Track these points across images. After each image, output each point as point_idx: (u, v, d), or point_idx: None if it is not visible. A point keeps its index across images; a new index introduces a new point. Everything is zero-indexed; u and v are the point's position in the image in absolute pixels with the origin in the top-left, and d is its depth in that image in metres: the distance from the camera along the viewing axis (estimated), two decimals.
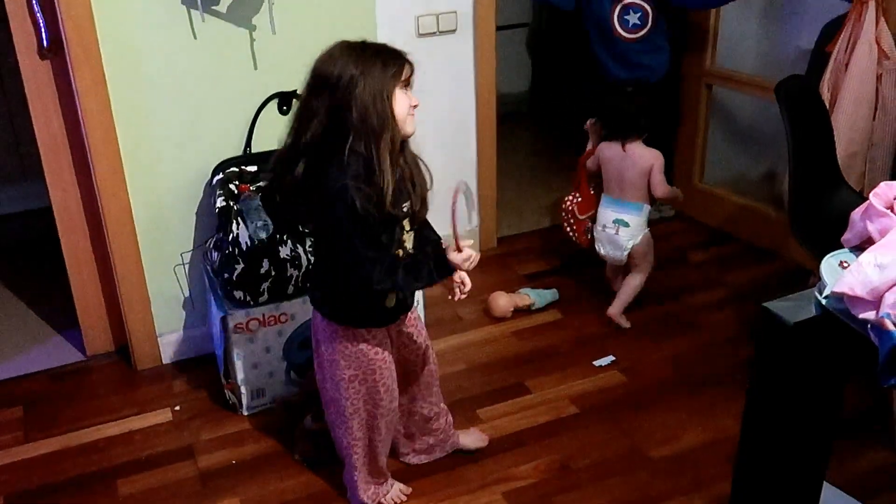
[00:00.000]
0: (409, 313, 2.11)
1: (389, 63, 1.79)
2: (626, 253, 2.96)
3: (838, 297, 1.40)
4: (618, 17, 3.35)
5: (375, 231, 1.83)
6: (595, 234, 3.04)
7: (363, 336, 1.98)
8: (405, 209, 1.90)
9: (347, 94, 1.74)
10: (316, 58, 1.80)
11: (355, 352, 1.98)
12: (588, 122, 3.13)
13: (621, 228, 2.94)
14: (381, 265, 1.82)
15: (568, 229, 3.18)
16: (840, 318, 1.40)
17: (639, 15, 3.37)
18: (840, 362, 1.53)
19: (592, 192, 3.12)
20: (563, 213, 3.18)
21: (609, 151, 2.98)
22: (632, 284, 3.01)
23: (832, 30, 2.88)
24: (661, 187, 2.93)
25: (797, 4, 3.52)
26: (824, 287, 1.44)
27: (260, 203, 2.42)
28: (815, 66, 2.95)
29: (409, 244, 1.97)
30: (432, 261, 1.89)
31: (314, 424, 2.36)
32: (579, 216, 3.13)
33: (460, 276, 1.93)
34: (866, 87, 2.73)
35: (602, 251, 3.03)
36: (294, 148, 1.82)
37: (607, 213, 2.98)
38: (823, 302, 1.43)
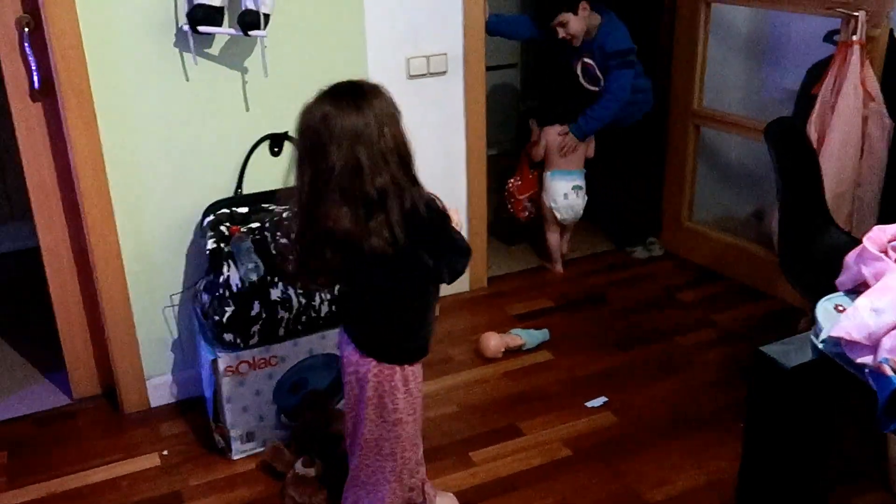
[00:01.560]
0: None
1: (389, 98, 1.82)
2: (582, 209, 3.62)
3: (835, 342, 1.40)
4: (581, 72, 3.48)
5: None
6: (554, 205, 3.60)
7: (414, 374, 1.98)
8: None
9: (381, 134, 1.76)
10: (318, 118, 1.75)
11: (405, 391, 1.98)
12: (531, 121, 3.68)
13: (580, 192, 3.60)
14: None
15: (509, 207, 3.72)
16: (837, 363, 1.41)
17: (591, 74, 3.48)
18: (837, 406, 1.53)
19: (531, 177, 3.67)
20: (506, 194, 3.71)
21: (556, 136, 3.56)
22: (567, 239, 3.76)
23: (818, 72, 2.93)
24: (593, 151, 3.63)
25: (782, 47, 3.59)
26: (820, 331, 1.45)
27: (251, 245, 2.42)
28: (801, 107, 2.99)
29: None
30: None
31: (305, 470, 2.33)
32: (518, 196, 3.68)
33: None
34: (853, 129, 2.77)
35: (563, 215, 3.62)
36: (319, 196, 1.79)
37: (563, 184, 3.58)
38: (820, 346, 1.43)
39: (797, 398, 1.47)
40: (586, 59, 3.52)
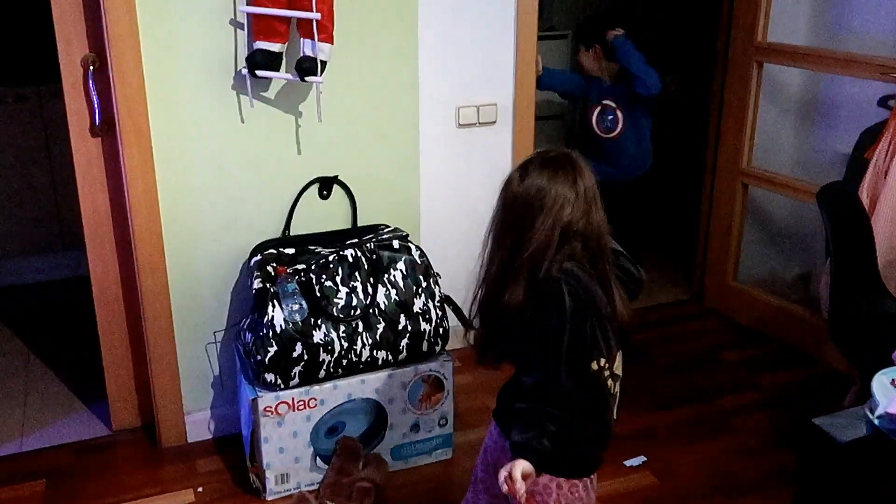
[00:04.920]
0: None
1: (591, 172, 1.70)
2: None
3: (891, 418, 1.37)
4: (597, 118, 3.47)
5: (587, 351, 1.63)
6: None
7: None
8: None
9: (585, 215, 1.64)
10: (533, 190, 1.64)
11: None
12: None
13: None
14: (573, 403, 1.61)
15: None
16: (893, 440, 1.37)
17: (611, 118, 3.47)
18: (891, 484, 1.49)
19: None
20: None
21: None
22: None
23: (871, 136, 2.90)
24: None
25: (834, 109, 3.56)
26: (876, 406, 1.41)
27: (296, 286, 2.44)
28: (853, 171, 2.97)
29: (617, 366, 1.76)
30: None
31: None
32: None
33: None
34: None
35: None
36: (508, 270, 1.67)
37: None
38: (876, 422, 1.40)
39: (850, 474, 1.43)
40: (606, 101, 3.52)
